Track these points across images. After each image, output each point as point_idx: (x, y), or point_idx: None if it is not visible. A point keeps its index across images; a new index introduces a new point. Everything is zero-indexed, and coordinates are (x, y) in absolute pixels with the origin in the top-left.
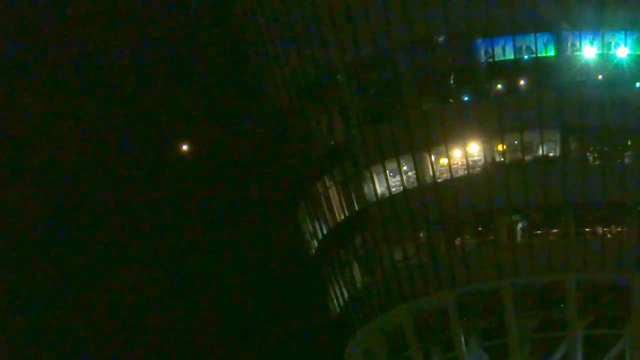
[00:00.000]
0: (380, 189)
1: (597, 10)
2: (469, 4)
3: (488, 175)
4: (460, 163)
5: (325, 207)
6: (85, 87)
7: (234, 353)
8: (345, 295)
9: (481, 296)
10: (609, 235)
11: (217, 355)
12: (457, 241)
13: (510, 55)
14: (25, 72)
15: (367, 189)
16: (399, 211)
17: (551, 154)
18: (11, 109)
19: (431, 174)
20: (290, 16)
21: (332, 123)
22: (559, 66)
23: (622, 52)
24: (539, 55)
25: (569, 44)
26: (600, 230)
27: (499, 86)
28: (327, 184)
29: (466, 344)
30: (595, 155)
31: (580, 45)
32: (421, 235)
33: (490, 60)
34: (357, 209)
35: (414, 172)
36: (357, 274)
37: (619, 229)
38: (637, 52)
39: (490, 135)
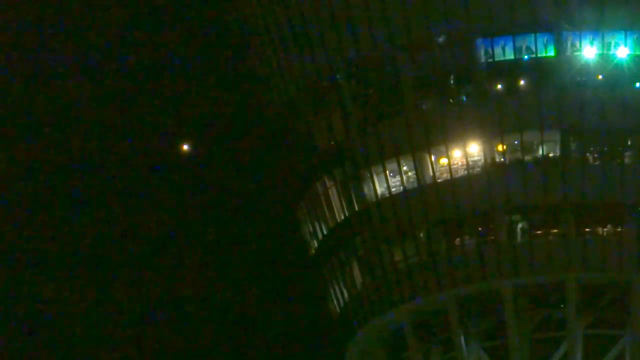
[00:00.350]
0: (380, 189)
1: (597, 10)
2: (469, 4)
3: (488, 175)
4: (460, 163)
5: (325, 207)
6: (86, 87)
7: (234, 353)
8: (345, 295)
9: (481, 296)
10: (609, 235)
11: (217, 356)
12: (457, 241)
13: (510, 55)
14: (25, 71)
15: (367, 189)
16: (399, 211)
17: (551, 154)
18: (11, 108)
19: (431, 174)
20: (290, 16)
21: (332, 123)
22: (559, 66)
23: (622, 52)
24: (539, 55)
25: (569, 44)
26: (600, 230)
27: (499, 86)
28: (327, 184)
29: (466, 344)
30: (595, 155)
31: (580, 45)
32: (421, 235)
33: (490, 60)
34: (357, 209)
35: (414, 172)
36: (357, 274)
37: (619, 229)
38: (637, 52)
39: (490, 135)
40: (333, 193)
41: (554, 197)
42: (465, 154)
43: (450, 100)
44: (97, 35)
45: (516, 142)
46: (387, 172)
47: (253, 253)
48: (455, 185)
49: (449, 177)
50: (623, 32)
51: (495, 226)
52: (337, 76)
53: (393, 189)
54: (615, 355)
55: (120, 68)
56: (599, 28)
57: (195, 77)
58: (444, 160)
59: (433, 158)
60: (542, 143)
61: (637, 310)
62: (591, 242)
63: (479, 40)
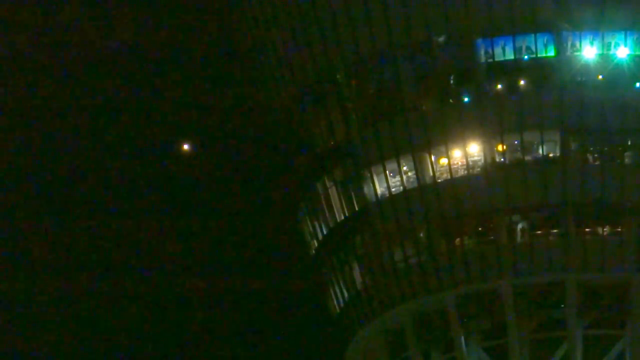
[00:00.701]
0: (380, 189)
1: (597, 10)
2: (469, 4)
3: (488, 175)
4: (460, 163)
5: (325, 207)
6: (86, 87)
7: (235, 353)
8: (345, 295)
9: (481, 296)
10: (609, 235)
11: (217, 356)
12: (457, 241)
13: (510, 55)
14: (25, 71)
15: (367, 189)
16: (399, 211)
17: (551, 154)
18: (10, 106)
19: (431, 174)
20: (290, 16)
21: (332, 123)
22: (559, 66)
23: (622, 52)
24: (539, 55)
25: (569, 44)
26: (600, 230)
27: (499, 86)
28: (327, 184)
29: (466, 344)
30: (595, 155)
31: (580, 45)
32: (421, 235)
33: (490, 60)
34: (357, 209)
35: (414, 172)
36: (357, 274)
37: (619, 229)
38: (637, 52)
39: (490, 135)
40: (333, 193)
41: (554, 197)
42: (465, 154)
43: (450, 100)
44: (97, 35)
45: (516, 142)
46: (387, 172)
47: (253, 252)
48: (455, 185)
49: (449, 177)
50: (623, 32)
51: (495, 226)
52: (337, 76)
53: (393, 189)
54: (615, 355)
55: (120, 68)
56: (599, 28)
57: (195, 77)
58: (444, 160)
59: (433, 158)
60: (542, 143)
61: (637, 310)
62: (591, 242)
63: (479, 40)
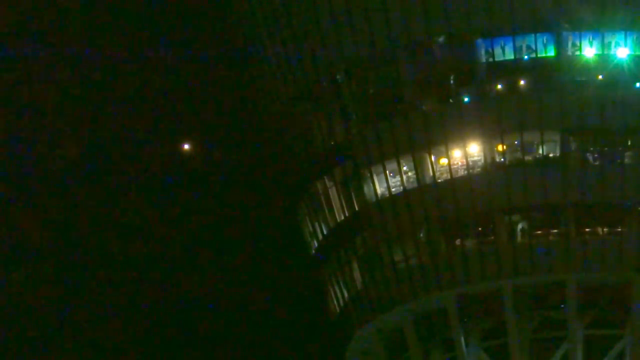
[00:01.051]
0: (380, 189)
1: (597, 10)
2: (469, 4)
3: (488, 175)
4: (460, 163)
5: (325, 207)
6: (86, 87)
7: (235, 353)
8: (345, 295)
9: (481, 296)
10: (609, 235)
11: (217, 356)
12: (457, 241)
13: (510, 55)
14: (25, 71)
15: (367, 189)
16: (399, 211)
17: (551, 154)
18: (11, 107)
19: (431, 174)
20: (290, 16)
21: (332, 123)
22: (559, 66)
23: (622, 52)
24: (539, 55)
25: (569, 44)
26: (600, 230)
27: (499, 86)
28: (327, 184)
29: (466, 344)
30: (595, 155)
31: (580, 45)
32: (421, 235)
33: (490, 60)
34: (357, 209)
35: (414, 172)
36: (357, 274)
37: (619, 229)
38: (637, 52)
39: (490, 135)
40: (333, 193)
41: (554, 197)
42: (465, 154)
43: (450, 100)
44: (97, 35)
45: (516, 142)
46: (387, 172)
47: (253, 252)
48: (455, 185)
49: (449, 177)
50: (623, 32)
51: (495, 226)
52: (337, 76)
53: (393, 189)
54: (615, 356)
55: (121, 68)
56: (599, 28)
57: (195, 77)
58: (444, 160)
59: (433, 158)
60: (542, 143)
61: (637, 310)
62: (591, 242)
63: (479, 40)
